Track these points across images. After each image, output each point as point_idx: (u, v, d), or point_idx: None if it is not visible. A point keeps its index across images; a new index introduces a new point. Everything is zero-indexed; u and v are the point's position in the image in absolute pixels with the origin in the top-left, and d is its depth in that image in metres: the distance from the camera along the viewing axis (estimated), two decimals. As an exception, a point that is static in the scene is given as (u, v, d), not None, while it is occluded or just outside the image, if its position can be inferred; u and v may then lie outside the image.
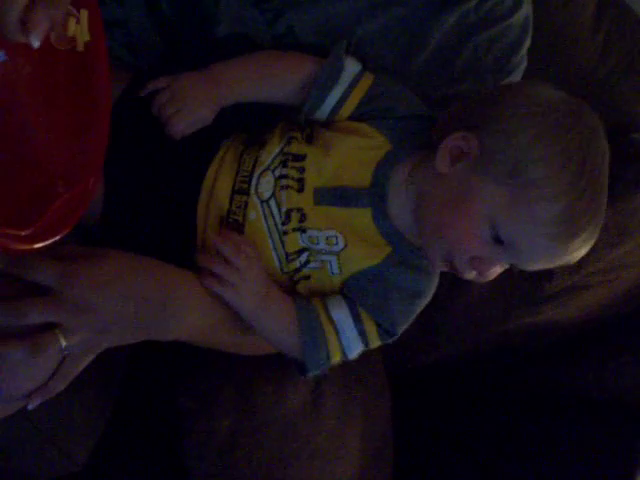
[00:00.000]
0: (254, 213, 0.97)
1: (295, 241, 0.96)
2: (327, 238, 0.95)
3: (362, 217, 0.95)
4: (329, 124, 1.00)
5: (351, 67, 0.99)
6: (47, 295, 0.84)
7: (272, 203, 0.96)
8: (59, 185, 0.84)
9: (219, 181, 0.99)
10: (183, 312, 0.92)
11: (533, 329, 1.40)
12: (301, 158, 0.96)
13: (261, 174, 0.98)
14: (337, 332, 0.97)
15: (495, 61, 1.03)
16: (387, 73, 1.02)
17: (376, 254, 0.96)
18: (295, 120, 1.02)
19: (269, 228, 0.97)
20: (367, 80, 0.99)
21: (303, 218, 0.95)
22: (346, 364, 1.14)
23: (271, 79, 1.01)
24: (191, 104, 0.97)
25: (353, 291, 0.97)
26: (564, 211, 0.84)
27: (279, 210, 0.96)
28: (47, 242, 0.81)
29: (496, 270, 0.91)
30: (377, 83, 1.00)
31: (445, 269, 0.93)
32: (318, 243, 0.95)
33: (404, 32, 1.00)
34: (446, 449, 1.57)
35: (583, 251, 0.89)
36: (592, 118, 0.89)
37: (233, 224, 0.98)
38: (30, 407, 0.87)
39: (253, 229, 0.97)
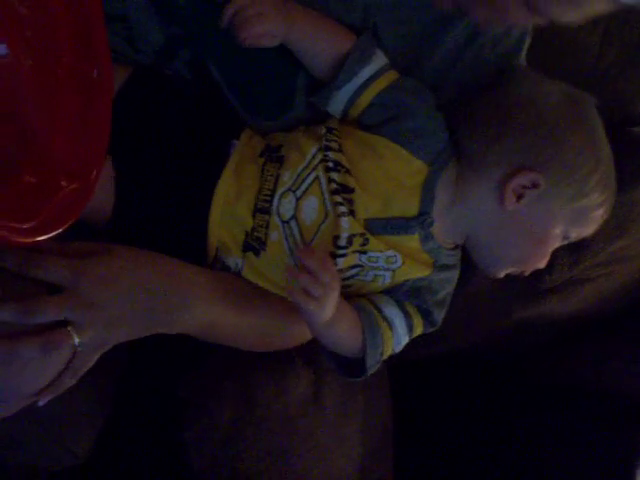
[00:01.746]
0: (276, 233, 0.98)
1: (351, 260, 0.96)
2: (387, 258, 0.97)
3: (411, 242, 0.98)
4: (363, 144, 0.99)
5: (380, 56, 1.00)
6: (59, 293, 0.85)
7: (293, 224, 0.97)
8: (61, 178, 0.85)
9: (241, 198, 0.99)
10: (191, 305, 0.93)
11: (533, 323, 1.40)
12: (350, 190, 0.96)
13: (282, 194, 0.98)
14: (391, 329, 0.99)
15: (497, 61, 1.03)
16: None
17: (425, 268, 0.99)
18: (316, 115, 1.02)
19: (290, 248, 0.98)
20: (392, 74, 1.00)
21: (366, 242, 0.96)
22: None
23: (330, 34, 1.00)
24: (272, 13, 0.95)
25: (401, 293, 1.01)
26: (611, 203, 1.02)
27: (300, 231, 0.97)
28: (49, 235, 0.82)
29: None
30: (401, 79, 1.01)
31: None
32: (377, 262, 0.97)
33: (415, 34, 1.00)
34: (446, 443, 1.57)
35: None
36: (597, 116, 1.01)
37: (256, 241, 0.98)
38: (41, 404, 0.88)
39: (274, 248, 0.98)
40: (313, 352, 1.18)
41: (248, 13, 0.93)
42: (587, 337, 1.48)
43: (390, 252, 0.96)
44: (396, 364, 1.40)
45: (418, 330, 1.02)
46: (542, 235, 0.99)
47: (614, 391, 1.46)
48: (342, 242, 0.95)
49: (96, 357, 0.89)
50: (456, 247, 1.04)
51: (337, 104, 1.01)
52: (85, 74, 0.87)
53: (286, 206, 0.97)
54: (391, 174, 0.97)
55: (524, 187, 0.96)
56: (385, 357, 1.01)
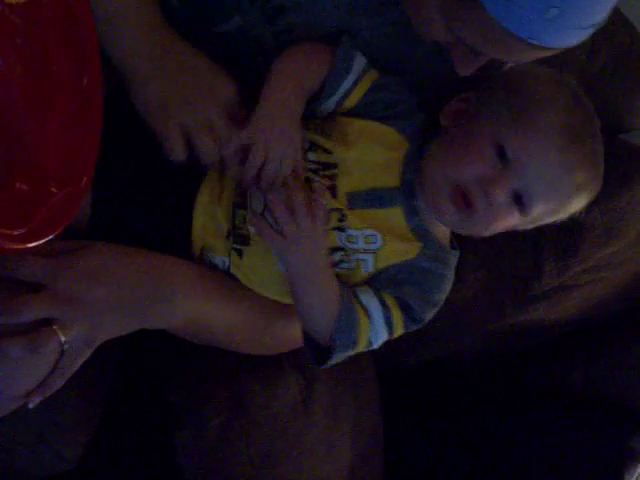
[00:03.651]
0: (254, 227, 0.98)
1: (332, 240, 0.97)
2: (366, 237, 0.97)
3: (395, 216, 0.98)
4: (343, 125, 1.01)
5: (359, 58, 1.01)
6: (40, 291, 0.85)
7: (267, 215, 0.97)
8: (52, 185, 0.85)
9: (222, 199, 1.00)
10: (175, 297, 0.93)
11: (522, 329, 1.41)
12: (331, 166, 0.97)
13: None
14: (369, 317, 0.97)
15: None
16: (383, 68, 1.04)
17: (410, 250, 0.98)
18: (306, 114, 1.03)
19: None
20: (373, 73, 1.02)
21: (343, 218, 0.96)
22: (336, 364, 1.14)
23: (313, 78, 1.00)
24: (289, 147, 0.95)
25: (383, 280, 0.99)
26: (563, 120, 0.90)
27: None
28: (40, 241, 0.82)
29: (501, 198, 0.91)
30: (381, 76, 1.02)
31: (451, 208, 0.93)
32: (356, 242, 0.97)
33: (400, 32, 1.01)
34: (436, 448, 1.57)
35: (583, 199, 0.94)
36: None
37: (240, 239, 0.99)
38: (31, 406, 0.88)
39: (257, 242, 0.98)
40: (302, 358, 1.19)
41: (269, 170, 0.94)
42: (577, 342, 1.48)
43: (369, 231, 0.97)
44: (386, 369, 1.41)
45: (399, 326, 0.99)
46: (466, 138, 0.93)
47: (603, 395, 1.47)
48: None
49: (84, 357, 0.89)
50: (452, 247, 1.03)
51: (323, 112, 1.02)
52: (75, 81, 0.87)
53: (256, 200, 0.98)
54: (373, 148, 0.98)
55: (462, 108, 0.97)
56: (360, 347, 0.98)
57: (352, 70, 1.00)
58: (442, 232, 1.01)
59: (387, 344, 1.02)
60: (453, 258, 1.02)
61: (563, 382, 1.51)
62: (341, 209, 0.96)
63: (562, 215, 0.96)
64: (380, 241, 0.97)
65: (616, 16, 1.34)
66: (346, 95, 1.01)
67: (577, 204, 0.95)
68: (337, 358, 0.98)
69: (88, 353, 0.89)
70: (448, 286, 1.03)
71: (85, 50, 0.87)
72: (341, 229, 0.97)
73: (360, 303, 0.97)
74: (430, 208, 0.96)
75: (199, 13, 1.02)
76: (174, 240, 1.00)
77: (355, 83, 1.00)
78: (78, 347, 0.87)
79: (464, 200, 0.91)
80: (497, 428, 1.54)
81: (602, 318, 1.44)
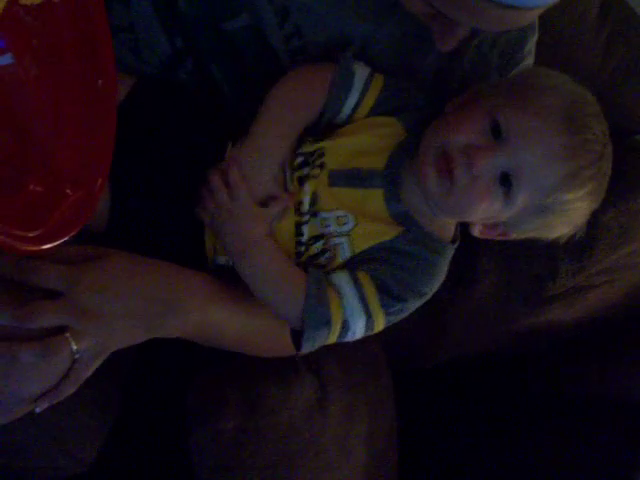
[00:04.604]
0: None
1: (313, 228, 0.97)
2: (337, 218, 0.96)
3: (374, 198, 0.96)
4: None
5: (361, 72, 1.00)
6: (55, 298, 0.85)
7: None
8: (66, 187, 0.85)
9: None
10: (187, 309, 0.93)
11: (537, 330, 1.40)
12: (321, 154, 0.97)
13: None
14: (339, 295, 0.94)
15: (499, 56, 1.04)
16: (394, 73, 1.03)
17: (386, 231, 0.96)
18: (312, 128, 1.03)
19: None
20: (378, 82, 1.01)
21: (314, 201, 0.96)
22: (351, 366, 1.14)
23: (308, 109, 1.00)
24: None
25: (358, 260, 0.97)
26: (563, 106, 0.88)
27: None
28: (55, 243, 0.82)
29: (483, 170, 0.88)
30: (388, 83, 1.01)
31: (433, 173, 0.91)
32: (329, 225, 0.96)
33: (410, 33, 1.00)
34: (451, 451, 1.57)
35: (583, 202, 0.90)
36: None
37: None
38: (37, 410, 0.88)
39: None
40: (317, 360, 1.18)
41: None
42: (591, 344, 1.48)
43: (340, 212, 0.96)
44: (401, 371, 1.41)
45: (374, 305, 0.95)
46: (463, 108, 0.93)
47: (618, 397, 1.46)
48: (305, 207, 0.96)
49: (95, 366, 0.89)
50: (453, 241, 1.00)
51: (337, 123, 1.03)
52: (90, 83, 0.87)
53: None
54: (368, 134, 0.99)
55: None
56: (336, 329, 0.95)
57: (353, 88, 0.99)
58: (437, 224, 0.98)
59: (401, 345, 1.02)
60: (444, 249, 0.99)
61: (577, 384, 1.50)
62: (315, 191, 0.96)
63: (551, 218, 0.93)
64: (352, 222, 0.96)
65: (631, 17, 1.34)
66: (354, 111, 1.00)
67: (567, 207, 0.91)
68: (311, 339, 0.95)
69: (99, 362, 0.90)
70: (437, 276, 0.99)
71: (100, 52, 0.87)
72: (314, 214, 0.96)
73: (330, 282, 0.95)
74: (416, 176, 0.94)
75: (206, 7, 1.02)
76: (189, 241, 1.00)
77: (361, 97, 1.00)
78: (90, 356, 0.88)
79: (447, 167, 0.89)
80: (511, 430, 1.54)
81: (617, 319, 1.44)
